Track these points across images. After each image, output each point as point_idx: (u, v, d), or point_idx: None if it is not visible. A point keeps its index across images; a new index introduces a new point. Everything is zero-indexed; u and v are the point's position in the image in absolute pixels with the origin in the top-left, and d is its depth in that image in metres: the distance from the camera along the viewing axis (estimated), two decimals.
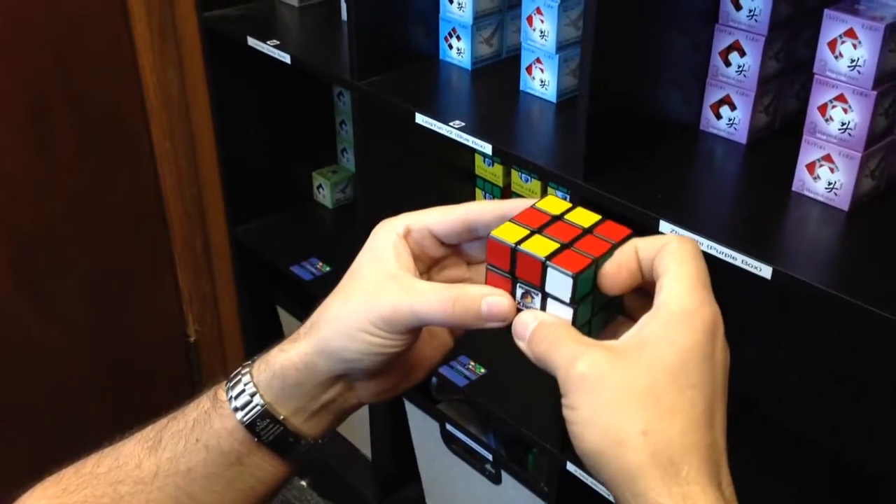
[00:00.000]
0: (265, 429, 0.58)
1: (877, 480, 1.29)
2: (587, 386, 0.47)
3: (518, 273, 0.52)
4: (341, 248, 1.83)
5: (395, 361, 0.57)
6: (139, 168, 1.81)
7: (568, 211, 0.55)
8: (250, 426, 0.57)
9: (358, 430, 1.90)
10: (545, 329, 0.50)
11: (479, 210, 0.57)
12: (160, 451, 0.58)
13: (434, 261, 0.59)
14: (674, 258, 0.50)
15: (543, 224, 0.54)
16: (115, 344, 1.92)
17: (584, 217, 0.54)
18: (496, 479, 1.56)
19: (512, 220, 0.54)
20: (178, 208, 1.88)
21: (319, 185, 1.97)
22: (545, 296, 0.51)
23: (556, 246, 0.52)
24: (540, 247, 0.52)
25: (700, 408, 0.47)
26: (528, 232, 0.53)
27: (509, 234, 0.53)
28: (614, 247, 0.52)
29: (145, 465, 0.58)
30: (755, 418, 1.41)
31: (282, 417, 0.58)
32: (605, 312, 0.54)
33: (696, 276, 0.49)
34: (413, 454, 1.78)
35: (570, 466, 1.31)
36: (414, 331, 0.55)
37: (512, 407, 1.42)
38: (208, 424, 0.58)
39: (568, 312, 0.51)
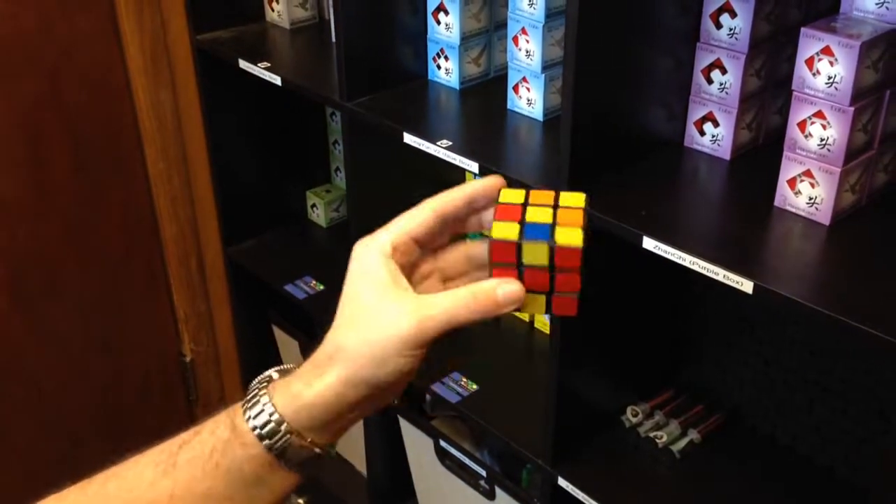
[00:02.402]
0: (294, 453, 0.61)
1: (868, 492, 1.30)
2: None
3: (526, 261, 0.60)
4: (335, 267, 1.82)
5: None
6: (133, 189, 1.83)
7: (528, 196, 0.63)
8: (280, 454, 0.60)
9: (353, 448, 1.91)
10: None
11: (445, 202, 0.62)
12: (176, 472, 0.60)
13: (412, 266, 0.63)
14: None
15: (522, 214, 0.61)
16: (111, 364, 1.93)
17: (542, 196, 0.63)
18: (490, 495, 1.57)
19: (495, 220, 0.60)
20: (172, 228, 1.89)
21: (313, 205, 1.98)
22: (552, 268, 0.60)
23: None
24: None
25: None
26: (518, 226, 0.60)
27: (505, 232, 0.60)
28: (585, 211, 0.62)
29: (160, 484, 0.60)
30: (745, 433, 1.41)
31: (309, 440, 0.61)
32: None
33: None
34: (408, 470, 1.79)
35: (563, 482, 1.32)
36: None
37: (504, 423, 1.43)
38: (230, 452, 0.60)
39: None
